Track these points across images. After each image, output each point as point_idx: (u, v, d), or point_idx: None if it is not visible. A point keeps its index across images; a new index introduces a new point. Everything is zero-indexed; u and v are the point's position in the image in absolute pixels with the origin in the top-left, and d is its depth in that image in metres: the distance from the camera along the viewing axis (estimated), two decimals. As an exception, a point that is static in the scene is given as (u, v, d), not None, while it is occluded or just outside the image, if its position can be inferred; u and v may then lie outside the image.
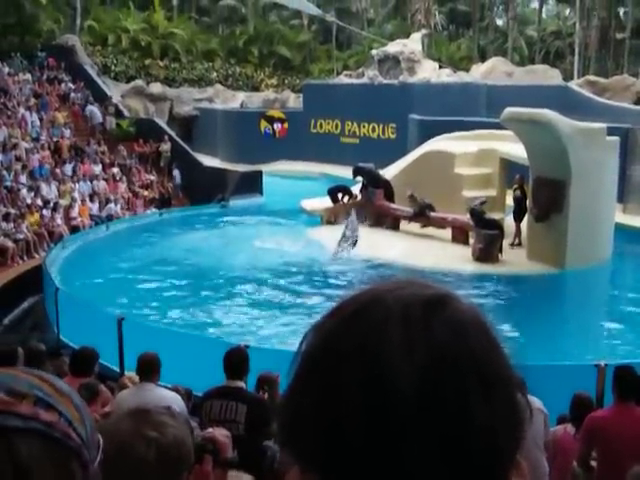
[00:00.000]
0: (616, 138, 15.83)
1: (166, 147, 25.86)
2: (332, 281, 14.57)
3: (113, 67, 37.78)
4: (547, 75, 34.98)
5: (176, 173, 25.14)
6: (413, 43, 33.71)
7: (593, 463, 5.07)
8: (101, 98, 28.86)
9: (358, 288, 0.74)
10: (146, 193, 23.21)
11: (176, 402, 5.37)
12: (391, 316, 0.68)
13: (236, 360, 5.40)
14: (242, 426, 5.02)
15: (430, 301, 0.70)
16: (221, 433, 2.57)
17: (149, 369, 5.62)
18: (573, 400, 5.60)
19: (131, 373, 6.37)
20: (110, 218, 20.08)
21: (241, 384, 5.32)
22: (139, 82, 36.81)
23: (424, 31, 39.73)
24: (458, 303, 0.71)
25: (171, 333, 10.07)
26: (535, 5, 53.75)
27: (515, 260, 15.52)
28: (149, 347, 6.19)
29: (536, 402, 5.26)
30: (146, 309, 12.75)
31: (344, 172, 25.48)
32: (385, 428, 0.65)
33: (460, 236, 16.77)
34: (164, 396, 5.46)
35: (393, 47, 33.41)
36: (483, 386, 0.67)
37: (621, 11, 50.10)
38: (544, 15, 55.51)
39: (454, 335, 0.68)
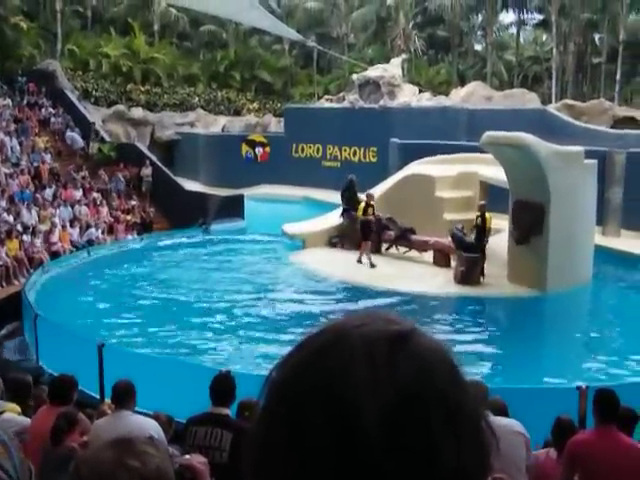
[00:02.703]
0: (594, 161, 15.98)
1: (147, 171, 25.83)
2: (312, 306, 14.51)
3: (94, 92, 37.71)
4: (525, 99, 35.34)
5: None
6: (393, 68, 34.01)
7: (575, 487, 5.06)
8: (82, 123, 28.81)
9: (323, 323, 0.74)
10: (128, 218, 23.12)
11: (153, 429, 5.31)
12: (356, 354, 0.68)
13: (223, 387, 5.35)
14: (226, 454, 4.97)
15: (395, 337, 0.70)
16: (199, 460, 2.54)
17: (124, 396, 5.57)
18: (555, 424, 5.60)
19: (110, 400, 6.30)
20: (91, 243, 19.95)
21: (227, 411, 5.27)
22: (120, 107, 36.77)
23: (404, 56, 40.15)
24: (423, 338, 0.71)
25: (152, 359, 9.98)
26: (513, 31, 54.42)
27: (496, 283, 15.56)
28: (130, 374, 6.12)
29: (516, 425, 5.25)
30: (127, 335, 12.64)
31: (326, 196, 25.55)
32: (351, 467, 0.65)
33: (442, 259, 16.81)
34: (141, 423, 5.40)
35: (373, 72, 33.68)
36: (449, 422, 0.67)
37: (596, 37, 50.93)
38: (522, 40, 56.23)
39: (419, 372, 0.68)
